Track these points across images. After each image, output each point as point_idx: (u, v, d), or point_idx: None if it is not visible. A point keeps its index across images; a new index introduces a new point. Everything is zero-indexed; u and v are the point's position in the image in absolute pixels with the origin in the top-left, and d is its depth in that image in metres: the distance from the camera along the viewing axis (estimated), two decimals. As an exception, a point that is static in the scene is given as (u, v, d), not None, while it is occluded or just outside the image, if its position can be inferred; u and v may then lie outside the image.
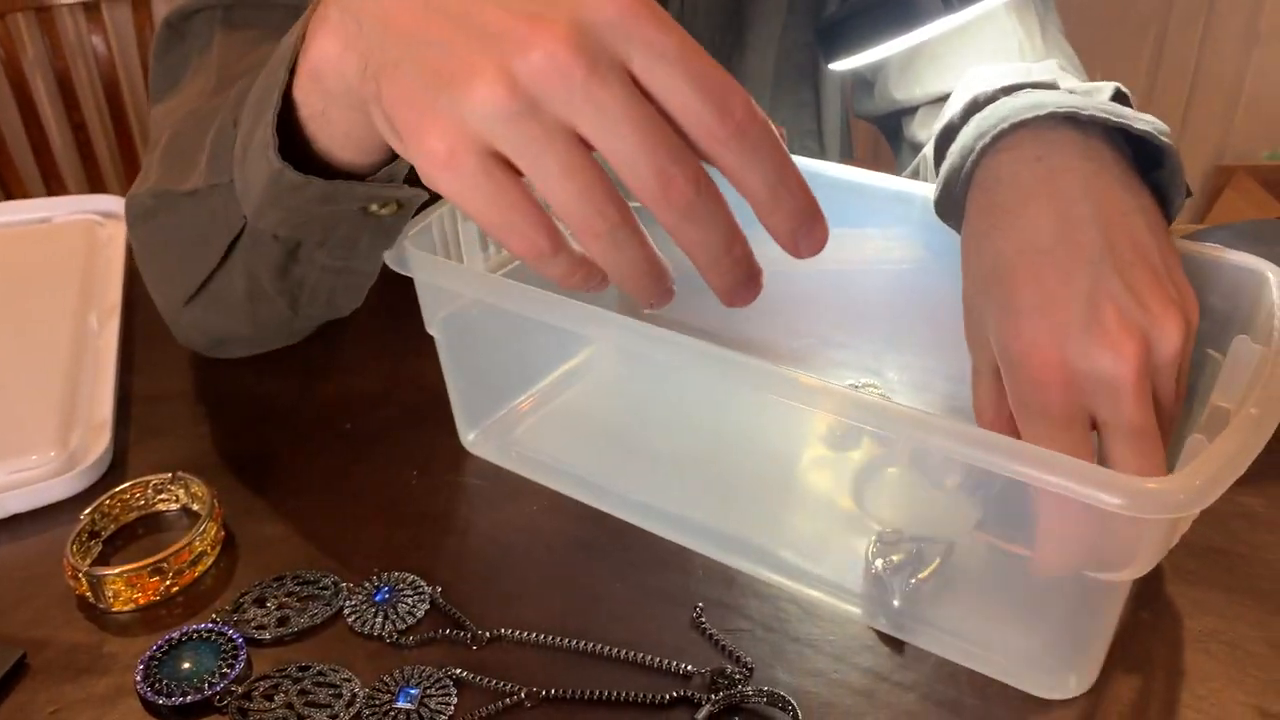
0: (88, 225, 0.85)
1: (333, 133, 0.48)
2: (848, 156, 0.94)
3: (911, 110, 0.81)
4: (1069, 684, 0.47)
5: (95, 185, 1.62)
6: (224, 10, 0.68)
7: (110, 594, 0.52)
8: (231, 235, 0.58)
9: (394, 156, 0.50)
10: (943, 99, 0.78)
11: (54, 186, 1.59)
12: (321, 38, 0.43)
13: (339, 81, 0.43)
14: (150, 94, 0.73)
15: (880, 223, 0.64)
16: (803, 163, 0.64)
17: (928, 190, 0.61)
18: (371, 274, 0.61)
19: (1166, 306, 0.46)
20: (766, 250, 0.70)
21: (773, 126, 0.37)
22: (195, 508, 0.58)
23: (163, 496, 0.59)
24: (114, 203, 0.88)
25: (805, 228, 0.39)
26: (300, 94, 0.47)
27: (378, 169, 0.51)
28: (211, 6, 0.68)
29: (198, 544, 0.54)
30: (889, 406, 0.45)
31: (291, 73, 0.47)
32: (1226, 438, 0.41)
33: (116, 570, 0.52)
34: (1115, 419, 0.45)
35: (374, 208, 0.52)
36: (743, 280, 0.40)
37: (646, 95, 0.36)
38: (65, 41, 1.59)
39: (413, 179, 0.51)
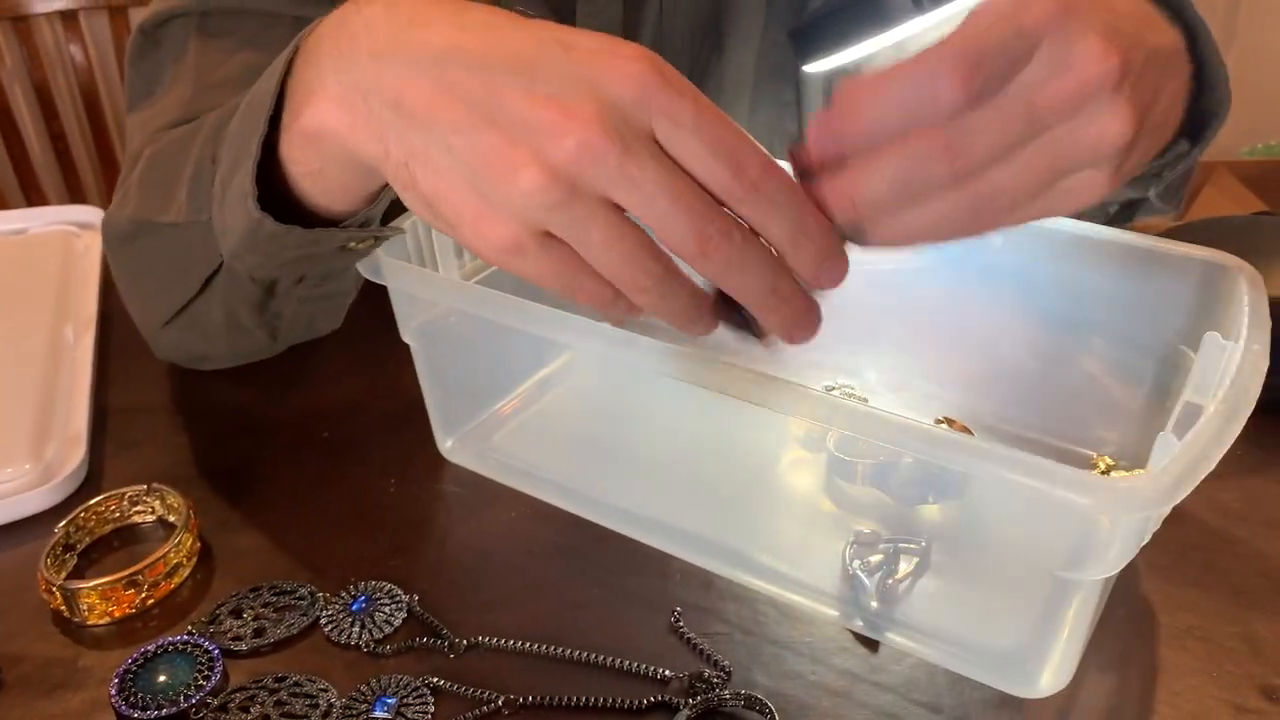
0: (64, 236, 0.85)
1: (327, 187, 0.48)
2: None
3: None
4: (1045, 682, 0.47)
5: (75, 196, 1.61)
6: (200, 17, 0.68)
7: (85, 607, 0.52)
8: (210, 269, 0.58)
9: (373, 201, 0.51)
10: None
11: (34, 197, 1.58)
12: (323, 108, 0.43)
13: (348, 154, 0.44)
14: (126, 102, 0.73)
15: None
16: (783, 166, 0.64)
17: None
18: (349, 293, 0.61)
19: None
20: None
21: (789, 175, 0.39)
22: (171, 519, 0.58)
23: (138, 508, 0.59)
24: (91, 214, 0.88)
25: (827, 266, 0.40)
26: (292, 151, 0.47)
27: (358, 211, 0.51)
28: (186, 13, 0.68)
29: (173, 556, 0.54)
30: (864, 410, 0.45)
31: (273, 123, 0.47)
32: (1196, 435, 0.41)
33: (91, 584, 0.52)
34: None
35: (352, 245, 0.52)
36: (796, 317, 0.41)
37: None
38: (43, 51, 1.58)
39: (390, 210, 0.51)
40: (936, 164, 0.38)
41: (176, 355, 0.68)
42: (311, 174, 0.48)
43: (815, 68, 0.70)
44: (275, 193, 0.49)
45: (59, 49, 1.58)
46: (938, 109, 0.37)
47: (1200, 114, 0.54)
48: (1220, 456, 0.41)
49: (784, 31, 0.87)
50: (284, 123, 0.47)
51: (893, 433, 0.43)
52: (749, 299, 0.40)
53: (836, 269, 0.41)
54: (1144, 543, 0.43)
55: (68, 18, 1.54)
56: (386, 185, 0.50)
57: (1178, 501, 0.39)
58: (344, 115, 0.42)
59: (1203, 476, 0.40)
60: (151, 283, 0.63)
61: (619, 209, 0.38)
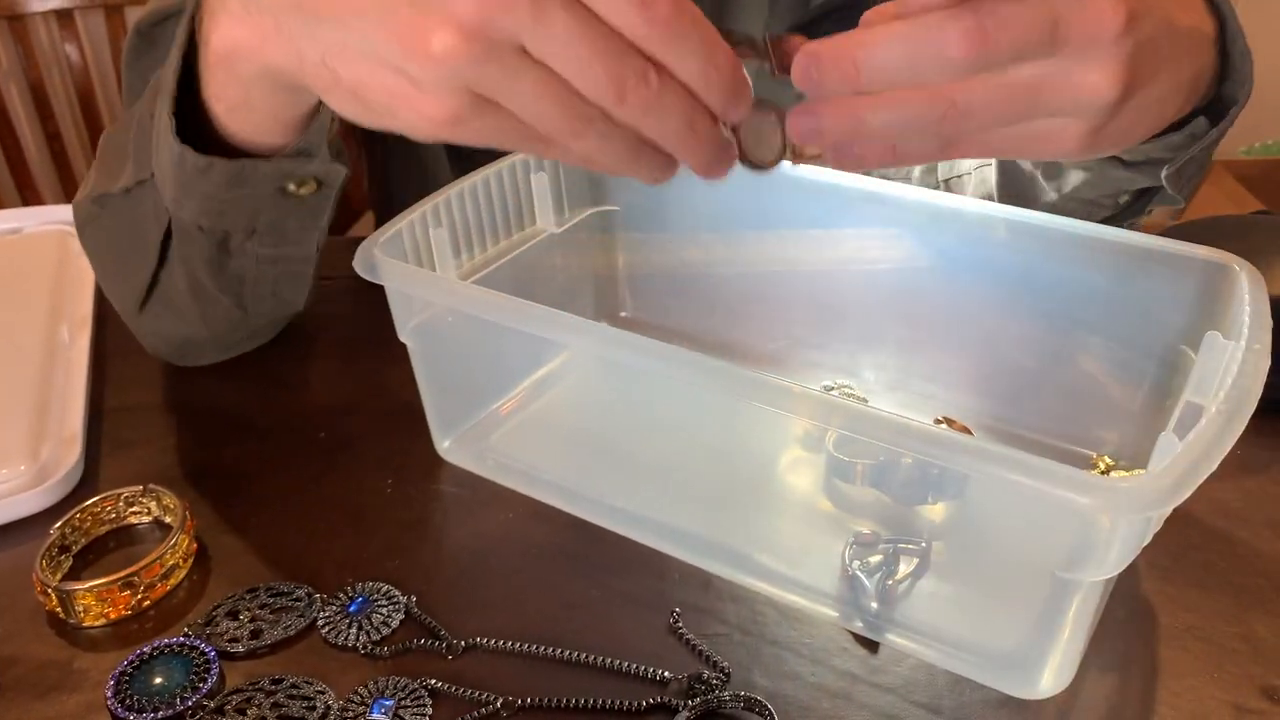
0: (59, 236, 0.84)
1: (252, 119, 0.49)
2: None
3: None
4: (1046, 683, 0.47)
5: (70, 196, 1.59)
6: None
7: (80, 609, 0.52)
8: (162, 230, 0.58)
9: (304, 129, 0.52)
10: None
11: (29, 197, 1.57)
12: (228, 28, 0.44)
13: (264, 70, 0.45)
14: (123, 102, 0.73)
15: (855, 224, 0.64)
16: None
17: (901, 191, 0.61)
18: (308, 260, 0.60)
19: None
20: (741, 254, 0.70)
21: (698, 17, 0.38)
22: (167, 520, 0.58)
23: (134, 509, 0.58)
24: (85, 213, 0.87)
25: (737, 97, 0.40)
26: (213, 87, 0.48)
27: (290, 144, 0.52)
28: (181, 12, 0.68)
29: (169, 557, 0.54)
30: (863, 410, 0.45)
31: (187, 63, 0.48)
32: (1197, 435, 0.41)
33: (87, 585, 0.51)
34: None
35: (291, 187, 0.53)
36: (714, 154, 0.41)
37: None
38: (39, 50, 1.57)
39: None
40: (947, 42, 0.38)
41: (160, 344, 0.68)
42: (235, 107, 0.49)
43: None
44: (212, 144, 0.50)
45: (54, 48, 1.58)
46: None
47: (1222, 98, 0.53)
48: (1222, 457, 0.40)
49: (786, 28, 0.87)
50: (200, 59, 0.48)
51: (892, 433, 0.43)
52: (669, 140, 0.40)
53: (744, 100, 0.40)
54: (1145, 543, 0.43)
55: (63, 17, 1.54)
56: (317, 113, 0.51)
57: (1179, 502, 0.39)
58: (251, 31, 0.43)
59: (1204, 477, 0.40)
60: (117, 261, 0.63)
61: (536, 61, 0.38)
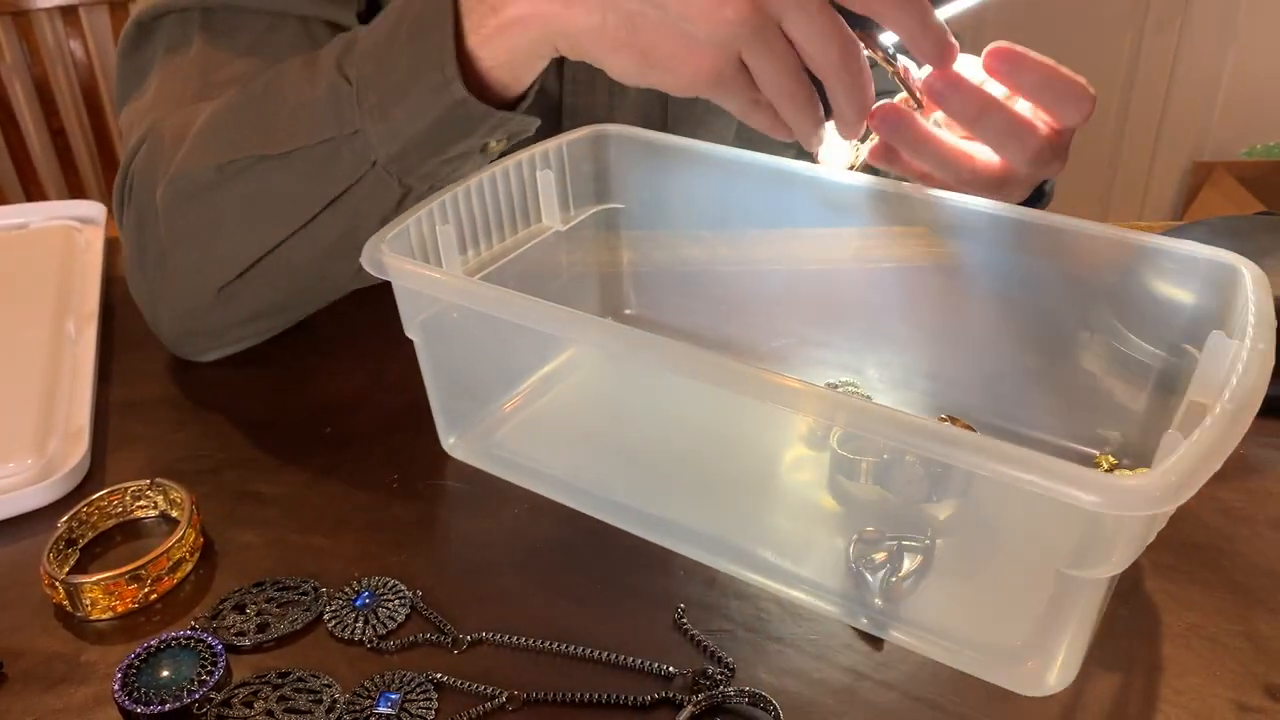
0: (65, 231, 0.84)
1: (512, 74, 0.58)
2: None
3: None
4: (1049, 681, 0.47)
5: (75, 192, 1.61)
6: (202, 14, 0.68)
7: (88, 602, 0.52)
8: (339, 189, 0.61)
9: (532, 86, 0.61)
10: None
11: (33, 193, 1.58)
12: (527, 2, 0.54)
13: (552, 35, 0.55)
14: (117, 93, 0.73)
15: (858, 222, 0.64)
16: (784, 164, 0.64)
17: (906, 189, 0.61)
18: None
19: None
20: (745, 251, 0.70)
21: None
22: (174, 514, 0.58)
23: (141, 503, 0.59)
24: (92, 208, 0.88)
25: (943, 53, 0.56)
26: (484, 49, 0.57)
27: (524, 95, 0.60)
28: (186, 9, 0.68)
29: (176, 551, 0.54)
30: (868, 407, 0.45)
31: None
32: (1202, 434, 0.41)
33: (94, 578, 0.52)
34: None
35: (493, 143, 0.61)
36: (868, 103, 0.57)
37: None
38: (44, 47, 1.58)
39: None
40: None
41: (218, 322, 0.68)
42: (498, 65, 0.57)
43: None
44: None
45: (59, 44, 1.58)
46: None
47: None
48: (1226, 456, 0.41)
49: None
50: (467, 27, 0.57)
51: (897, 430, 0.43)
52: (858, 99, 0.55)
53: (949, 54, 0.56)
54: (1149, 541, 0.43)
55: (68, 13, 1.54)
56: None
57: (1183, 501, 0.39)
58: (554, 2, 0.53)
59: (1209, 476, 0.40)
60: (236, 228, 0.63)
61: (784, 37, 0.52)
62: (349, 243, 0.61)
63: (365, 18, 0.74)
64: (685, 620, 0.51)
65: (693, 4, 0.50)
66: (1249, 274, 0.51)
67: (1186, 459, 0.40)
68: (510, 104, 0.60)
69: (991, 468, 0.41)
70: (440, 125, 0.59)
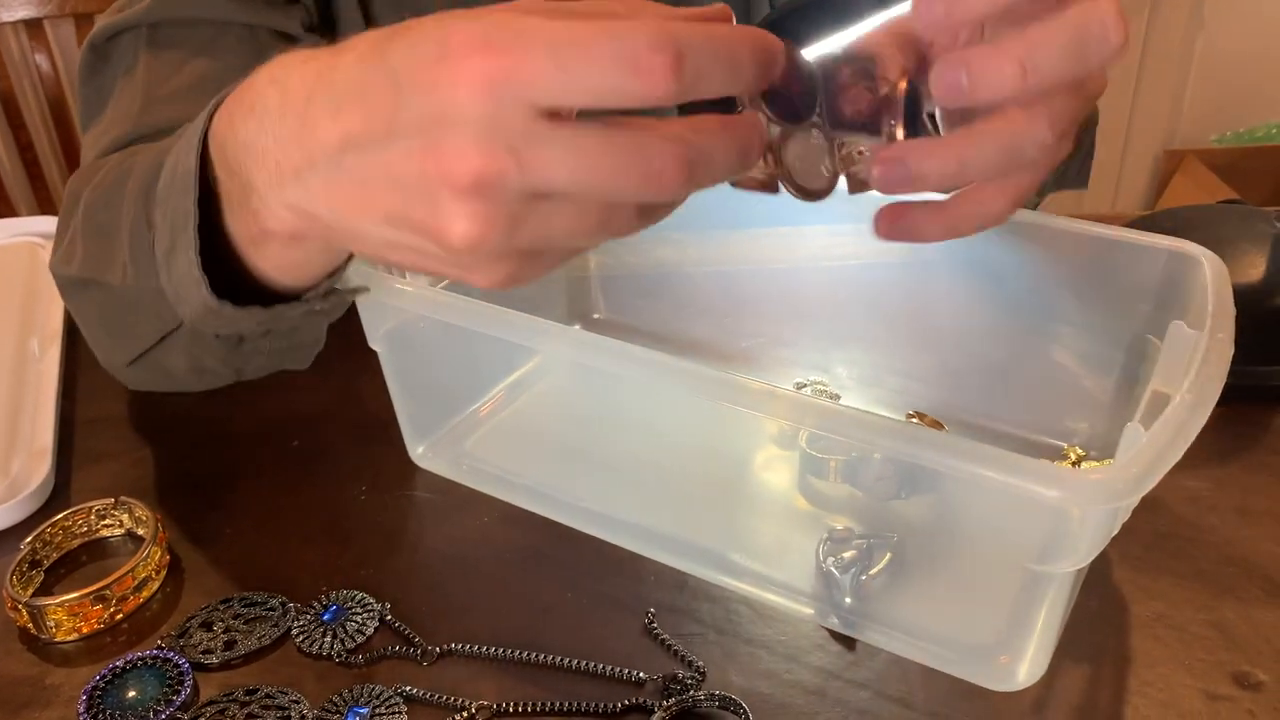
0: (29, 248, 0.84)
1: (294, 274, 0.49)
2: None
3: None
4: (1019, 675, 0.47)
5: (45, 206, 1.60)
6: (149, 29, 0.67)
7: (52, 624, 0.51)
8: (166, 329, 0.56)
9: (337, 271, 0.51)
10: None
11: (2, 208, 1.56)
12: (282, 220, 0.43)
13: (326, 247, 0.46)
14: (80, 119, 0.72)
15: (825, 219, 0.64)
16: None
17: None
18: (320, 340, 0.59)
19: None
20: (713, 253, 0.70)
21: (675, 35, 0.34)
22: (139, 533, 0.57)
23: (106, 522, 0.58)
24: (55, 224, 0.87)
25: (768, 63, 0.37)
26: (261, 254, 0.47)
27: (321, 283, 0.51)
28: (135, 27, 0.67)
29: (141, 569, 0.53)
30: (835, 410, 0.45)
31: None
32: (1162, 425, 0.41)
33: (58, 600, 0.51)
34: None
35: (318, 307, 0.51)
36: (756, 144, 0.37)
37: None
38: (9, 61, 1.56)
39: None
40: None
41: (145, 388, 0.66)
42: (283, 266, 0.48)
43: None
44: (223, 258, 0.48)
45: (25, 58, 1.56)
46: None
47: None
48: (1187, 446, 0.41)
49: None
50: (230, 213, 0.46)
51: (863, 431, 0.43)
52: (722, 176, 0.37)
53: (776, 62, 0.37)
54: (1114, 533, 0.43)
55: (32, 26, 1.52)
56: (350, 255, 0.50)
57: (1145, 492, 0.39)
58: (305, 223, 0.42)
59: (1170, 466, 0.40)
60: (109, 330, 0.60)
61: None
62: (200, 366, 0.58)
63: (320, 28, 0.74)
64: (656, 625, 0.51)
65: (423, 236, 0.36)
66: (1208, 264, 0.51)
67: (1148, 450, 0.40)
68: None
69: (956, 466, 0.41)
70: (213, 318, 0.50)
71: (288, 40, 0.70)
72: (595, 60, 0.33)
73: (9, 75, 1.54)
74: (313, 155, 0.38)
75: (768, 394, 0.46)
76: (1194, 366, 0.45)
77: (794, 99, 0.42)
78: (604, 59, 0.33)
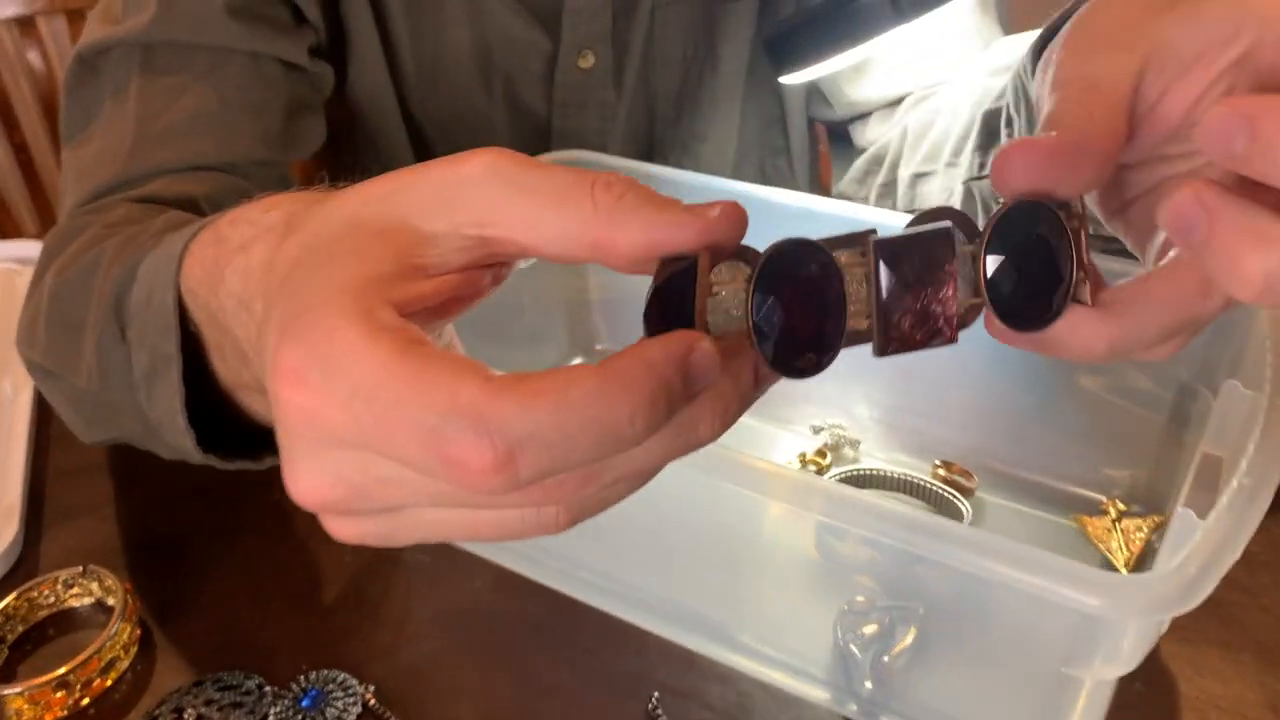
0: (5, 275, 0.80)
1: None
2: (815, 170, 0.89)
3: (864, 116, 0.77)
4: (1057, 773, 0.43)
5: (41, 207, 1.57)
6: (143, 50, 0.63)
7: (13, 713, 0.48)
8: (148, 428, 0.49)
9: None
10: (896, 103, 0.75)
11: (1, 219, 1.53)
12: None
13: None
14: (61, 132, 0.68)
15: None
16: (771, 195, 0.59)
17: (885, 218, 0.56)
18: None
19: None
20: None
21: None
22: (110, 601, 0.54)
23: (74, 591, 0.54)
24: (33, 248, 0.83)
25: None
26: (243, 397, 0.42)
27: None
28: (128, 44, 0.63)
29: (108, 650, 0.50)
30: (845, 495, 0.41)
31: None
32: (1217, 519, 0.36)
33: (18, 689, 0.48)
34: None
35: None
36: (746, 400, 0.31)
37: None
38: (2, 59, 1.53)
39: None
40: None
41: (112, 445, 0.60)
42: (267, 411, 0.41)
43: (792, 79, 0.65)
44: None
45: (18, 55, 1.53)
46: None
47: None
48: (1247, 542, 0.36)
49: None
50: (213, 355, 0.42)
51: (878, 522, 0.39)
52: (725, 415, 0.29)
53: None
54: (1163, 633, 0.39)
55: (24, 24, 1.49)
56: None
57: (1200, 601, 0.35)
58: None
59: (1228, 568, 0.35)
60: (85, 418, 0.55)
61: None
62: (179, 454, 0.51)
63: (327, 55, 0.70)
64: (659, 710, 0.47)
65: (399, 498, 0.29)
66: (1266, 313, 0.46)
67: (1202, 550, 0.35)
68: None
69: (981, 565, 0.37)
70: (199, 457, 0.45)
71: (293, 70, 0.66)
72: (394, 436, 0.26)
73: (2, 74, 1.51)
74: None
75: (773, 475, 0.41)
76: (1252, 440, 0.40)
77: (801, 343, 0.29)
78: (404, 436, 0.26)
